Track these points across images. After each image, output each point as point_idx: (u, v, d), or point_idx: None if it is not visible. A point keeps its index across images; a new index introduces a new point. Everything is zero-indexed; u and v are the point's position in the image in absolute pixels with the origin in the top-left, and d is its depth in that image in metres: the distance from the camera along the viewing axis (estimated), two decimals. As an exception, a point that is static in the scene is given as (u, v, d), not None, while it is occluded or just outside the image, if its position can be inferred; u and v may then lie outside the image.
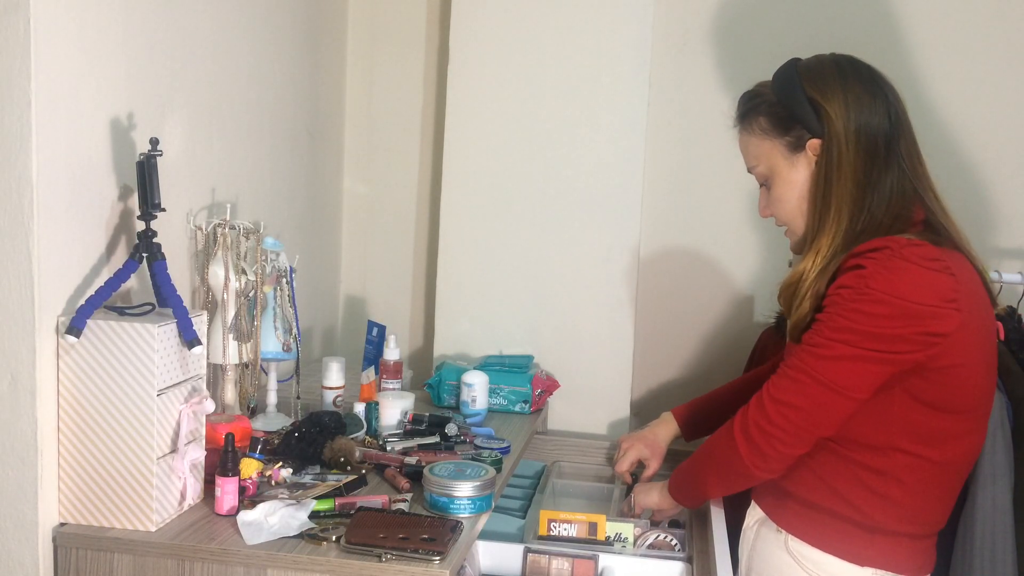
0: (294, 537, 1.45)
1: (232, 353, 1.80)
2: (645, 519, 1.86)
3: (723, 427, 1.61)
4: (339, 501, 1.56)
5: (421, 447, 1.83)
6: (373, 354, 2.23)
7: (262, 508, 1.48)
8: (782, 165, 1.59)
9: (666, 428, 2.04)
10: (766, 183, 1.64)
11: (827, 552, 1.53)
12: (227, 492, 1.52)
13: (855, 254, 1.47)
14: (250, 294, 1.81)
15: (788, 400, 1.50)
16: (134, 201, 1.60)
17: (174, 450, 1.50)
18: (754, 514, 1.69)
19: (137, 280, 1.62)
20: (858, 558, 1.52)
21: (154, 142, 1.54)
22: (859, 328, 1.43)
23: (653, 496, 1.82)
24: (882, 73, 1.59)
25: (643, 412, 2.57)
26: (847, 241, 1.50)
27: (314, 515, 1.51)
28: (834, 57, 1.59)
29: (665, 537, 1.79)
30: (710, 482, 1.68)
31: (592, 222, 2.45)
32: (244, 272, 1.80)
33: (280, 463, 1.64)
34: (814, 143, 1.54)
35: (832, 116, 1.52)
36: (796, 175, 1.58)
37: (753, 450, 1.53)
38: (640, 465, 2.01)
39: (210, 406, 1.55)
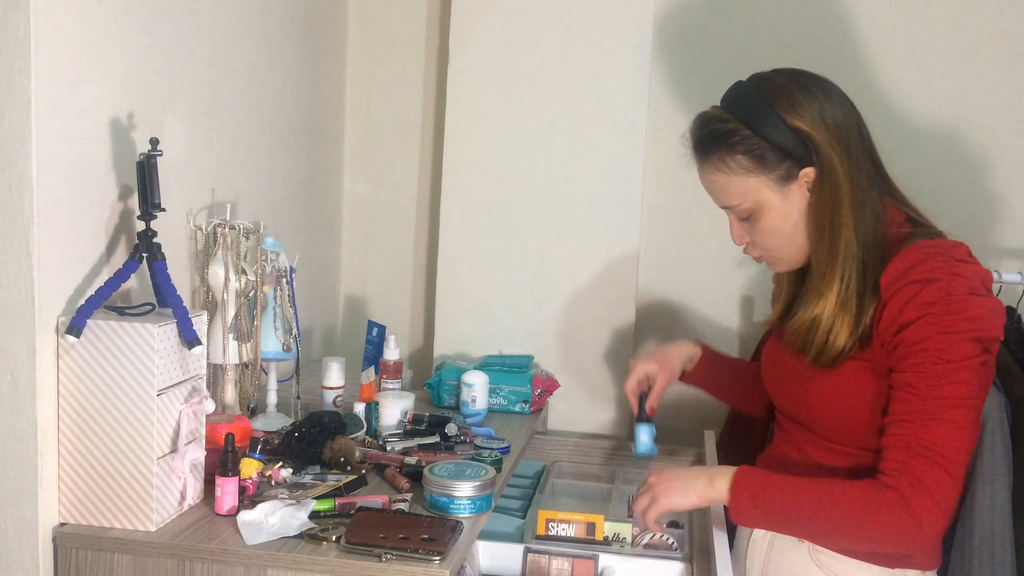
0: (294, 537, 1.45)
1: (232, 353, 1.80)
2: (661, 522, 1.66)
3: (870, 492, 1.40)
4: (339, 501, 1.56)
5: (421, 447, 1.84)
6: (373, 354, 2.23)
7: (262, 508, 1.48)
8: (772, 199, 1.51)
9: (681, 347, 1.93)
10: (749, 218, 1.55)
11: (857, 559, 1.51)
12: (227, 492, 1.52)
13: (905, 271, 1.42)
14: (250, 294, 1.81)
15: (957, 445, 1.38)
16: (134, 201, 1.60)
17: (174, 450, 1.51)
18: None
19: (137, 280, 1.62)
20: (888, 560, 1.51)
21: (154, 142, 1.54)
22: (968, 337, 1.39)
23: (697, 491, 1.53)
24: (822, 75, 1.54)
25: (643, 412, 2.57)
26: (861, 270, 1.47)
27: (314, 515, 1.51)
28: (784, 74, 1.52)
29: (663, 537, 1.79)
30: (826, 537, 1.50)
31: (592, 222, 2.45)
32: (244, 272, 1.80)
33: (280, 463, 1.64)
34: (808, 172, 1.49)
35: (818, 140, 1.46)
36: (789, 206, 1.51)
37: (940, 517, 1.38)
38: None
39: (210, 406, 1.55)
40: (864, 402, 1.50)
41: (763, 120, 1.48)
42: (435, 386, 2.28)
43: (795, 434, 1.63)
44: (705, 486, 1.53)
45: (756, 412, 1.94)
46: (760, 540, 1.64)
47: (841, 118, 1.49)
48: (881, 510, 1.39)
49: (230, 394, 1.84)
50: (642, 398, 1.89)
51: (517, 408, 2.27)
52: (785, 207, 1.52)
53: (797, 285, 1.64)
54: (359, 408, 1.95)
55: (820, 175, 1.48)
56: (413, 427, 1.96)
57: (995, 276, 2.03)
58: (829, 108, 1.48)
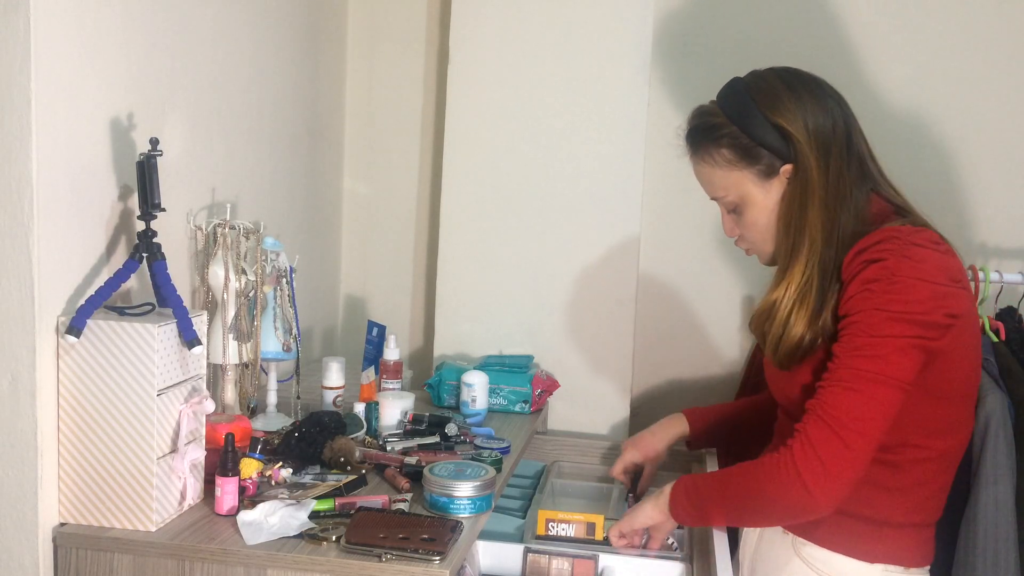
0: (294, 537, 1.44)
1: (232, 353, 1.80)
2: (638, 548, 1.73)
3: (767, 459, 1.46)
4: (339, 501, 1.56)
5: (421, 447, 1.83)
6: (373, 354, 2.23)
7: (262, 508, 1.48)
8: (755, 193, 1.56)
9: (668, 430, 1.97)
10: (735, 210, 1.60)
11: (837, 552, 1.53)
12: (227, 492, 1.52)
13: (861, 251, 1.45)
14: (250, 294, 1.81)
15: (858, 415, 1.39)
16: (134, 201, 1.60)
17: (174, 450, 1.50)
18: None
19: (137, 280, 1.62)
20: (868, 555, 1.52)
21: (154, 142, 1.54)
22: (900, 317, 1.39)
23: (646, 512, 1.64)
24: (820, 77, 1.57)
25: (643, 412, 2.57)
26: (823, 266, 1.49)
27: (314, 515, 1.51)
28: (776, 73, 1.56)
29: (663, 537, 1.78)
30: (744, 515, 1.55)
31: (592, 222, 2.45)
32: (244, 272, 1.80)
33: (280, 463, 1.64)
34: (788, 168, 1.52)
35: (797, 138, 1.49)
36: (770, 200, 1.55)
37: (827, 482, 1.40)
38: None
39: (210, 406, 1.55)
40: None
41: (748, 117, 1.53)
42: (435, 386, 2.28)
43: (787, 429, 1.64)
44: (655, 496, 1.63)
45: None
46: (749, 534, 1.68)
47: (824, 121, 1.51)
48: (774, 474, 1.44)
49: (230, 394, 1.83)
50: (636, 478, 1.98)
51: (517, 408, 2.27)
52: (766, 201, 1.56)
53: None
54: (359, 408, 1.95)
55: (794, 172, 1.52)
56: (413, 427, 1.96)
57: (995, 276, 2.04)
58: (813, 111, 1.51)
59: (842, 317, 1.45)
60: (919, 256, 1.42)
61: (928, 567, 1.57)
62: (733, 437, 1.98)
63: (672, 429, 1.97)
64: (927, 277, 1.41)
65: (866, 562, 1.52)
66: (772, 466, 1.45)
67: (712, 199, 1.64)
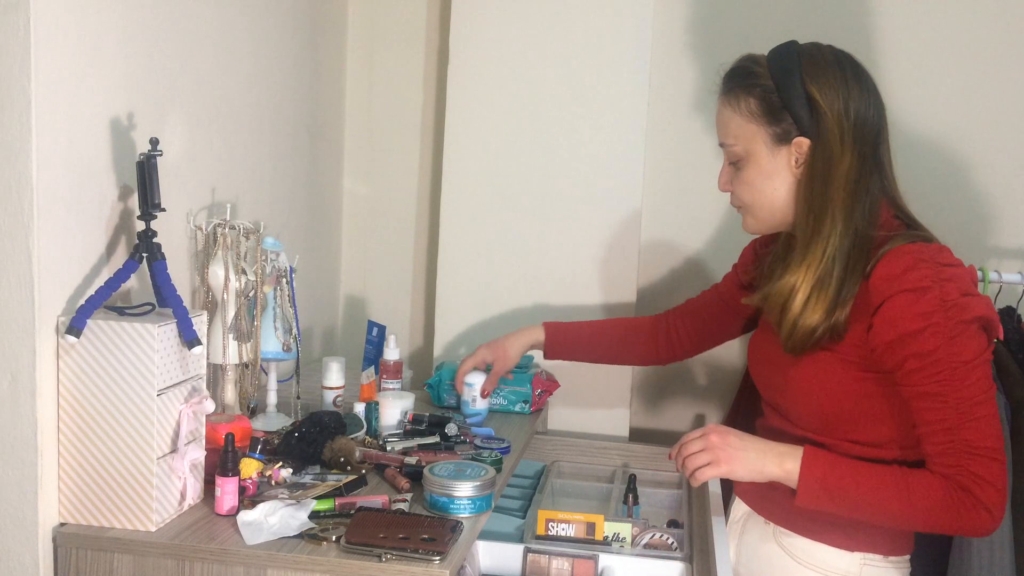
0: (294, 537, 1.44)
1: (232, 353, 1.80)
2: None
3: (940, 496, 1.42)
4: (339, 501, 1.56)
5: (421, 447, 1.84)
6: (373, 354, 2.23)
7: (262, 508, 1.48)
8: (762, 153, 1.56)
9: (523, 337, 2.10)
10: (737, 163, 1.60)
11: (816, 540, 1.55)
12: (227, 492, 1.52)
13: (891, 277, 1.44)
14: (250, 294, 1.81)
15: (996, 433, 1.43)
16: (134, 201, 1.60)
17: (174, 450, 1.51)
18: (739, 508, 1.72)
19: (137, 280, 1.62)
20: (846, 543, 1.54)
21: (154, 142, 1.54)
22: (973, 333, 1.42)
23: (759, 465, 1.51)
24: (870, 73, 1.58)
25: (643, 412, 2.57)
26: (843, 254, 1.49)
27: (314, 515, 1.51)
28: (833, 51, 1.56)
29: (663, 536, 1.79)
30: (896, 525, 1.52)
31: (592, 222, 2.45)
32: (244, 272, 1.80)
33: (280, 463, 1.64)
34: (801, 141, 1.52)
35: (827, 116, 1.50)
36: (773, 166, 1.56)
37: (1003, 502, 1.43)
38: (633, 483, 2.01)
39: (210, 406, 1.55)
40: (834, 393, 1.52)
41: (787, 78, 1.53)
42: (435, 386, 2.28)
43: (775, 424, 1.65)
44: (774, 466, 1.51)
45: (636, 362, 2.14)
46: (734, 525, 1.71)
47: (864, 112, 1.52)
48: (961, 511, 1.41)
49: (230, 394, 1.84)
50: (632, 482, 2.01)
51: (517, 408, 2.27)
52: (770, 166, 1.56)
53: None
54: (359, 408, 1.95)
55: (815, 149, 1.51)
56: (413, 427, 1.96)
57: (995, 276, 2.05)
58: (856, 97, 1.52)
59: (896, 347, 1.44)
60: (955, 275, 1.45)
61: (908, 556, 1.57)
62: (593, 350, 2.10)
63: (528, 337, 2.10)
64: (970, 291, 1.45)
65: (845, 550, 1.54)
66: (957, 504, 1.41)
67: (720, 144, 1.64)
